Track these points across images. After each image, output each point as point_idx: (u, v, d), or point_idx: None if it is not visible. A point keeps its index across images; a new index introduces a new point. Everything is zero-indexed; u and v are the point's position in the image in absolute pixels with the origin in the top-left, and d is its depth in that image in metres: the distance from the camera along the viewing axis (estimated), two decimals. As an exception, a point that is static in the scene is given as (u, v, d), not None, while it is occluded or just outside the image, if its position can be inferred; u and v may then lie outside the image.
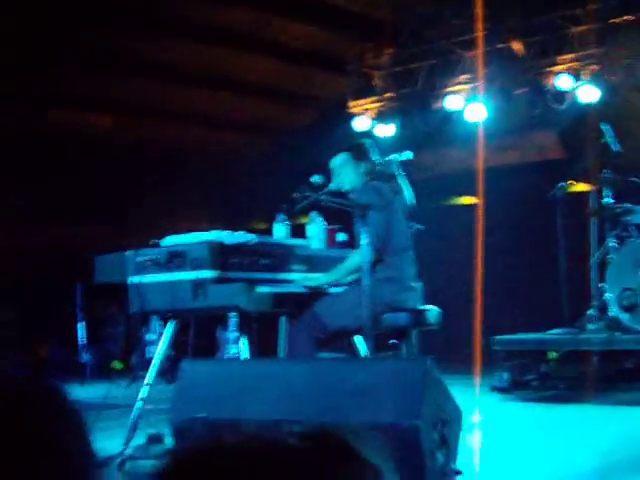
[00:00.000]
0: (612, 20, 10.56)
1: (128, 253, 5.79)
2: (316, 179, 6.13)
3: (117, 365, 11.15)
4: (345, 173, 6.17)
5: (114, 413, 6.70)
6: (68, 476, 1.39)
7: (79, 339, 11.18)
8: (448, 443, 4.22)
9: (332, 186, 6.15)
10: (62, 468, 1.40)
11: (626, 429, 6.60)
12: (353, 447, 1.06)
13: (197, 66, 11.64)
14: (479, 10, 10.86)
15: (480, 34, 11.33)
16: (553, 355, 9.03)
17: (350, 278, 6.02)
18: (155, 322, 9.81)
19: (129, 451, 5.46)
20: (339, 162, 6.21)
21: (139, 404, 5.68)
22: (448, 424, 4.26)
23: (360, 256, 5.59)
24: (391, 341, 6.10)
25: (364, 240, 5.52)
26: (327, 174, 6.26)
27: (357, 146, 6.38)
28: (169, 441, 5.03)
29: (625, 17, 10.48)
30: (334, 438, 1.07)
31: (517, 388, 8.63)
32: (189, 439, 4.34)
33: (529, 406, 8.09)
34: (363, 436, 1.09)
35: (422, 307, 6.12)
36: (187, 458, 1.08)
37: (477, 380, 9.17)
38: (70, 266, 9.82)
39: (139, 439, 5.62)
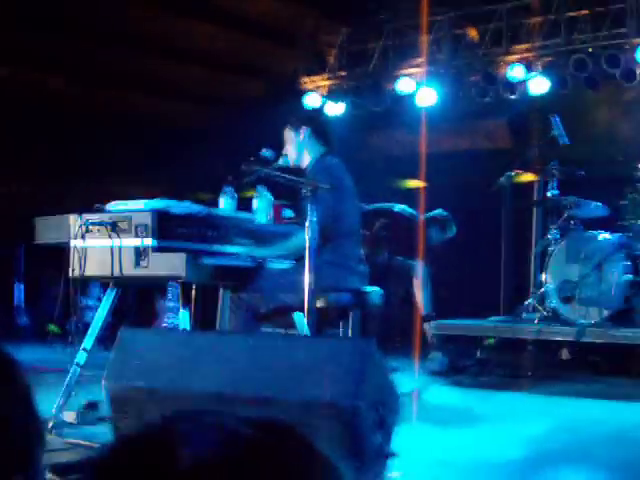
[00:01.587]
0: (567, 13, 10.63)
1: (71, 216, 5.71)
2: (266, 153, 6.10)
3: (53, 328, 11.02)
4: (301, 146, 6.14)
5: (49, 377, 6.63)
6: (14, 442, 1.36)
7: (16, 301, 11.05)
8: (385, 425, 4.23)
9: (282, 161, 6.12)
10: (8, 435, 1.37)
11: (559, 419, 6.68)
12: (310, 442, 1.04)
13: (150, 34, 11.49)
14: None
15: (435, 18, 11.34)
16: (491, 342, 9.10)
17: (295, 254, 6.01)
18: (94, 287, 9.75)
19: (62, 416, 5.40)
20: (296, 134, 6.17)
21: (75, 369, 5.62)
22: (386, 406, 4.27)
23: (307, 234, 5.57)
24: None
25: (312, 218, 5.50)
26: (277, 148, 6.23)
27: (318, 122, 6.35)
28: (104, 408, 4.99)
29: (579, 11, 10.55)
30: (290, 431, 1.05)
31: (454, 373, 8.70)
32: (125, 407, 4.31)
33: (464, 391, 8.15)
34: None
35: (365, 289, 6.13)
36: (133, 446, 1.05)
37: (416, 363, 9.22)
38: (13, 226, 9.69)
39: (73, 405, 5.57)
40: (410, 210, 8.90)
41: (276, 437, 1.04)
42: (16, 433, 1.39)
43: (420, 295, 9.05)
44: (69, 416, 5.48)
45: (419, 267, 9.08)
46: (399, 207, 8.83)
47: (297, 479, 1.00)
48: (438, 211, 9.05)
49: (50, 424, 5.30)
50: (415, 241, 8.99)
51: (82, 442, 5.12)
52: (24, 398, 1.42)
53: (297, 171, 6.15)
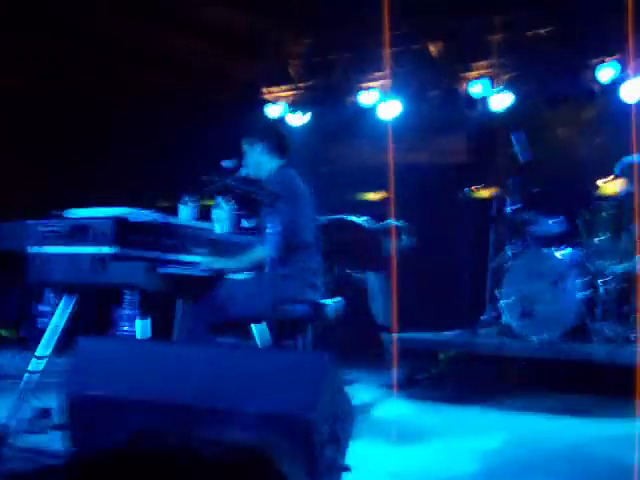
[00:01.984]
0: (528, 32, 10.71)
1: (29, 222, 5.66)
2: (227, 163, 6.10)
3: (5, 333, 10.93)
4: (258, 159, 6.15)
5: (2, 384, 6.58)
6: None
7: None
8: (339, 439, 4.23)
9: (243, 172, 6.13)
10: None
11: (511, 434, 6.72)
12: (274, 463, 1.05)
13: (111, 39, 11.44)
14: (388, 8, 10.89)
15: (396, 33, 11.38)
16: (442, 357, 9.14)
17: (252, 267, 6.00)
18: (48, 294, 9.68)
19: (14, 424, 5.36)
20: (253, 147, 6.18)
21: (27, 376, 5.58)
22: (340, 420, 4.28)
23: (265, 247, 5.58)
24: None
25: (270, 230, 5.50)
26: (239, 157, 6.23)
27: (275, 135, 6.36)
28: (57, 416, 4.95)
29: (538, 30, 10.63)
30: (258, 455, 1.06)
31: (410, 386, 8.72)
32: (82, 416, 4.28)
33: (418, 404, 8.17)
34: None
35: (322, 301, 6.14)
36: (97, 461, 1.05)
37: (371, 377, 9.24)
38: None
39: (25, 412, 5.52)
40: (360, 220, 8.93)
41: (243, 461, 1.04)
42: None
43: (373, 306, 9.08)
44: (22, 424, 5.43)
45: (371, 278, 9.11)
46: (350, 218, 8.85)
47: None
48: (389, 221, 9.07)
49: (1, 431, 5.25)
50: (367, 252, 9.02)
51: (34, 450, 5.08)
52: None
53: (258, 182, 6.15)
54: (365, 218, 9.06)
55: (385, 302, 8.91)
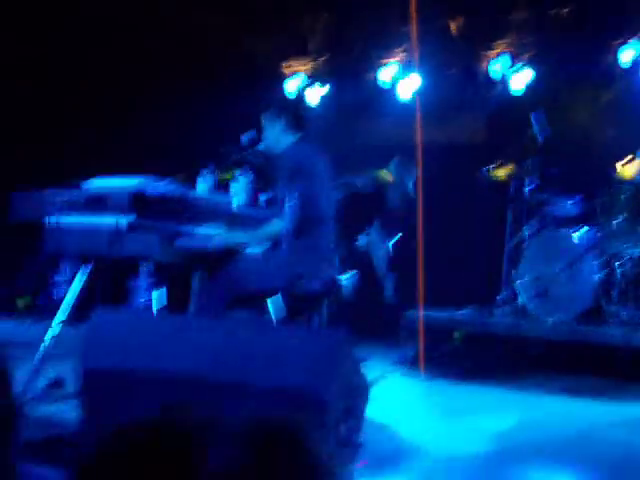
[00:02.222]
0: (549, 11, 10.63)
1: (48, 192, 5.67)
2: (246, 137, 6.08)
3: (22, 303, 10.96)
4: (277, 134, 6.13)
5: (17, 352, 6.59)
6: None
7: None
8: (353, 414, 4.24)
9: (261, 146, 6.11)
10: None
11: (525, 415, 6.71)
12: (302, 439, 1.04)
13: (133, 12, 11.42)
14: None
15: (417, 9, 11.30)
16: (457, 335, 9.12)
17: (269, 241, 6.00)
18: (65, 264, 9.70)
19: (30, 394, 5.38)
20: (272, 122, 6.15)
21: (43, 346, 5.59)
22: (354, 396, 4.28)
23: (282, 221, 5.56)
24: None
25: (288, 204, 5.49)
26: (257, 133, 6.21)
27: (294, 111, 6.33)
28: (71, 386, 4.97)
29: (561, 9, 10.56)
30: (287, 431, 1.05)
31: (422, 364, 8.71)
32: (97, 387, 4.29)
33: (431, 383, 8.17)
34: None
35: (337, 276, 6.13)
36: (131, 435, 1.04)
37: (385, 354, 9.23)
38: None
39: (40, 381, 5.55)
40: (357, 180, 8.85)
41: (272, 437, 1.03)
42: None
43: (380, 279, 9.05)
44: (36, 393, 5.45)
45: (375, 246, 9.04)
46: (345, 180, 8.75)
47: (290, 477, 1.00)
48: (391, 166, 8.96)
49: (18, 401, 5.27)
50: (370, 208, 8.96)
51: (48, 419, 5.10)
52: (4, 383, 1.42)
53: (276, 156, 6.13)
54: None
55: (386, 251, 8.83)
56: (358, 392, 4.35)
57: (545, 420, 6.55)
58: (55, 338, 5.62)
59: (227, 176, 6.52)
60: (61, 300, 5.83)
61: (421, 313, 8.99)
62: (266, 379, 4.08)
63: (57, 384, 5.63)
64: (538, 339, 8.61)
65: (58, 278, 9.70)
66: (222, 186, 6.46)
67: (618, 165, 8.80)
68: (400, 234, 8.72)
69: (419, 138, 10.15)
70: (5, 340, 6.48)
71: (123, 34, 11.82)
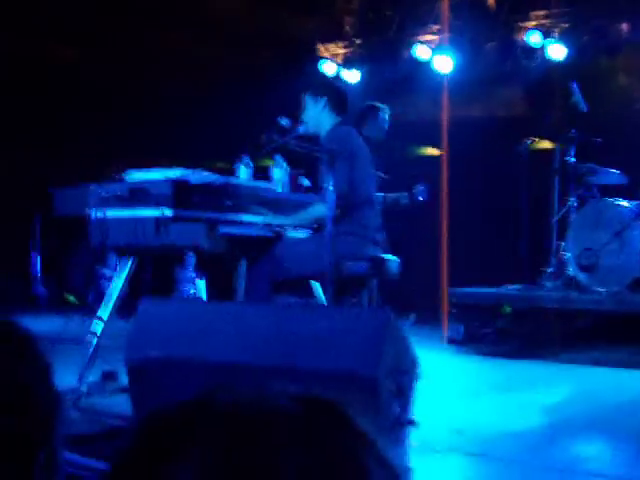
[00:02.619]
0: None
1: (91, 187, 5.70)
2: (284, 122, 6.06)
3: (72, 298, 11.06)
4: (319, 114, 6.10)
5: (69, 348, 6.65)
6: (35, 412, 1.36)
7: (34, 271, 11.09)
8: (404, 393, 4.22)
9: (300, 130, 6.09)
10: (29, 404, 1.37)
11: (578, 387, 6.68)
12: (353, 418, 1.02)
13: (162, 4, 11.46)
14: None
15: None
16: (508, 310, 9.07)
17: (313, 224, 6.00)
18: (113, 257, 9.76)
19: (83, 388, 5.42)
20: (314, 102, 6.12)
21: (93, 340, 5.63)
22: (405, 374, 4.26)
23: (325, 204, 5.55)
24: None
25: (330, 187, 5.47)
26: (294, 116, 6.19)
27: (336, 91, 6.31)
28: (123, 379, 5.00)
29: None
30: (334, 407, 1.03)
31: (472, 341, 8.69)
32: (144, 378, 4.31)
33: (483, 360, 8.15)
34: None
35: (383, 256, 6.11)
36: (171, 415, 1.03)
37: (436, 331, 9.22)
38: (30, 197, 9.71)
39: (94, 376, 5.59)
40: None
41: (320, 414, 1.02)
42: (37, 403, 1.39)
43: None
44: (89, 387, 5.50)
45: None
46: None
47: (338, 457, 0.99)
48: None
49: (71, 395, 5.32)
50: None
51: (102, 412, 5.14)
52: (43, 371, 1.42)
53: (315, 139, 6.11)
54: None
55: None
56: (408, 370, 4.34)
57: (598, 392, 6.51)
58: (105, 331, 5.65)
59: (268, 162, 6.52)
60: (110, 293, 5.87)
61: (468, 290, 8.95)
62: (315, 361, 4.08)
63: (110, 377, 5.67)
64: (589, 311, 8.55)
65: (106, 272, 9.78)
66: (263, 172, 6.46)
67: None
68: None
69: (449, 114, 10.11)
70: (56, 336, 6.54)
71: (157, 30, 11.86)
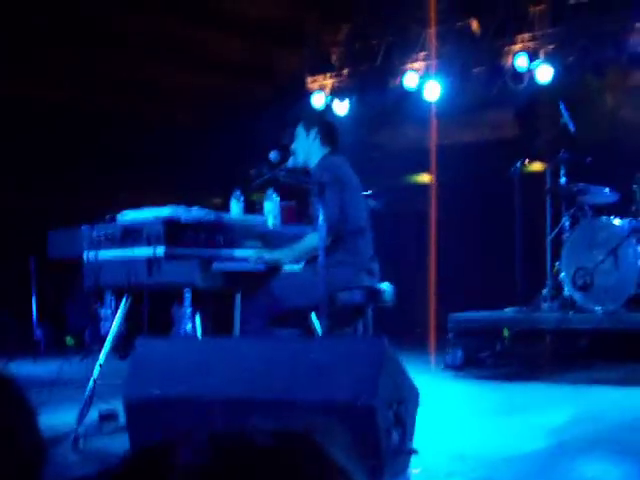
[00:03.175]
0: (569, 0, 10.59)
1: (83, 228, 5.72)
2: (274, 155, 6.09)
3: (70, 340, 11.03)
4: (309, 146, 6.13)
5: (67, 389, 6.64)
6: (19, 455, 1.36)
7: (32, 314, 11.07)
8: (404, 422, 4.22)
9: (290, 163, 6.11)
10: (13, 446, 1.37)
11: (579, 408, 6.65)
12: (324, 449, 1.03)
13: (152, 38, 11.54)
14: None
15: (437, 12, 11.32)
16: (506, 333, 9.07)
17: (306, 256, 6.01)
18: (109, 297, 9.75)
19: (82, 428, 5.41)
20: (306, 133, 6.15)
21: (92, 382, 5.62)
22: (404, 403, 4.27)
23: (317, 236, 5.56)
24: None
25: (321, 218, 5.48)
26: (285, 150, 6.22)
27: (326, 123, 6.34)
28: (122, 418, 5.00)
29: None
30: (304, 439, 1.04)
31: (470, 366, 8.68)
32: (142, 417, 4.31)
33: (482, 384, 8.13)
34: (326, 431, 1.07)
35: (377, 285, 6.11)
36: (147, 456, 1.04)
37: (431, 358, 9.21)
38: (24, 239, 9.72)
39: (92, 416, 5.58)
40: None
41: (290, 445, 1.03)
42: (21, 445, 1.39)
43: None
44: (89, 428, 5.49)
45: None
46: None
47: None
48: None
49: (71, 437, 5.32)
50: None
51: (102, 453, 5.13)
52: (27, 416, 1.43)
53: (305, 171, 6.14)
54: None
55: None
56: (408, 398, 4.34)
57: (600, 411, 6.49)
58: (103, 371, 5.65)
59: (259, 196, 6.54)
60: (106, 334, 5.87)
61: (466, 315, 8.95)
62: (313, 393, 4.09)
63: (109, 417, 5.66)
64: (587, 330, 8.55)
65: (104, 312, 9.76)
66: (255, 206, 6.47)
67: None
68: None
69: (438, 141, 10.15)
70: (55, 378, 6.52)
71: (151, 65, 11.93)
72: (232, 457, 0.99)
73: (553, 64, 10.72)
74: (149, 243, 5.46)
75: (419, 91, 11.50)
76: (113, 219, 5.74)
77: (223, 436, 1.03)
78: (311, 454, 1.02)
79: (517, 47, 10.99)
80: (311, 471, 1.00)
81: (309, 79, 12.60)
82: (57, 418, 5.69)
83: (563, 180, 9.00)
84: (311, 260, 5.90)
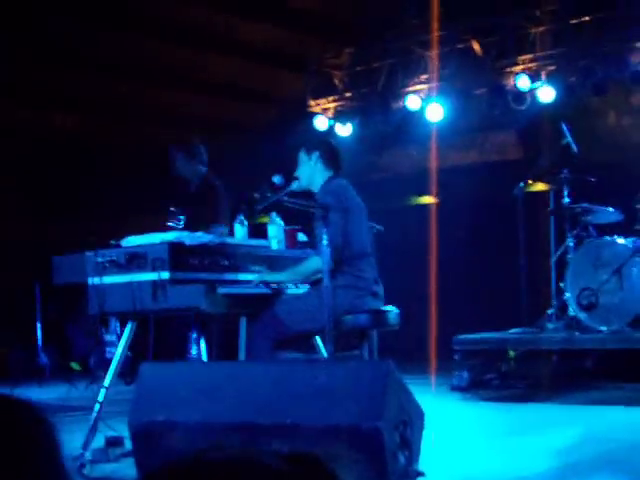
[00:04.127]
0: (570, 21, 10.64)
1: (88, 254, 5.73)
2: (277, 179, 6.10)
3: (75, 366, 11.04)
4: (312, 170, 6.14)
5: (73, 415, 6.65)
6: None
7: (38, 340, 11.08)
8: (410, 444, 4.22)
9: (294, 186, 6.13)
10: None
11: (585, 429, 6.63)
12: (335, 474, 1.04)
13: (158, 65, 11.59)
14: (436, 10, 10.91)
15: (439, 34, 11.37)
16: (512, 354, 9.05)
17: (311, 278, 6.01)
18: (114, 323, 9.77)
19: (88, 454, 5.41)
20: (309, 157, 6.17)
21: (97, 407, 5.62)
22: (410, 425, 4.26)
23: (320, 258, 5.56)
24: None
25: (324, 242, 5.49)
26: (288, 173, 6.23)
27: (330, 147, 6.35)
28: (128, 444, 4.99)
29: (582, 18, 10.55)
30: (317, 463, 1.05)
31: (477, 387, 8.66)
32: (148, 442, 4.31)
33: (488, 405, 8.11)
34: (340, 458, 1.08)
35: (382, 308, 6.11)
36: (165, 476, 1.05)
37: (437, 380, 9.19)
38: (29, 265, 9.74)
39: (98, 442, 5.57)
40: None
41: (302, 469, 1.04)
42: (42, 470, 1.40)
43: None
44: (94, 453, 5.48)
45: None
46: None
47: None
48: None
49: (77, 463, 5.31)
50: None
51: (108, 478, 5.13)
52: (54, 449, 1.43)
53: (309, 195, 6.15)
54: None
55: None
56: (413, 421, 4.33)
57: (608, 431, 6.46)
58: (109, 397, 5.65)
59: (263, 219, 6.55)
60: (111, 359, 5.87)
61: (471, 336, 8.94)
62: (319, 418, 4.08)
63: (115, 443, 5.65)
64: (592, 351, 8.53)
65: (109, 338, 9.77)
66: (259, 230, 6.49)
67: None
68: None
69: (441, 162, 10.15)
70: (60, 404, 6.53)
71: (153, 91, 11.97)
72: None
73: (555, 84, 10.75)
74: (154, 268, 5.47)
75: (421, 113, 11.53)
76: (118, 244, 5.75)
77: (239, 459, 1.04)
78: (323, 478, 1.03)
79: (519, 68, 11.02)
80: None
81: (312, 102, 12.63)
82: (63, 443, 5.68)
83: (567, 200, 8.99)
84: (315, 283, 5.91)
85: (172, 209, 6.43)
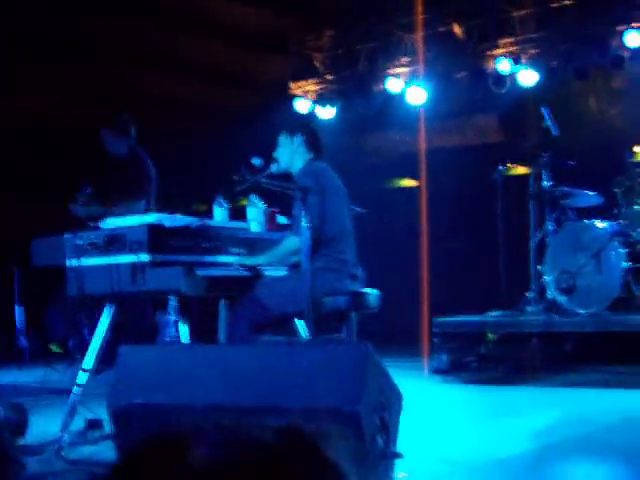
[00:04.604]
0: (552, 4, 10.64)
1: (66, 236, 5.69)
2: (256, 161, 6.09)
3: (55, 348, 11.02)
4: (292, 152, 6.13)
5: (52, 398, 6.63)
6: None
7: (17, 323, 11.04)
8: (388, 427, 4.22)
9: (273, 169, 6.11)
10: None
11: (565, 410, 6.67)
12: (318, 446, 1.04)
13: (141, 48, 11.52)
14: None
15: (421, 17, 11.34)
16: (491, 337, 9.08)
17: (290, 260, 6.01)
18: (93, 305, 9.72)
19: (67, 437, 5.40)
20: (290, 140, 6.15)
21: (76, 389, 5.60)
22: (388, 408, 4.27)
23: (298, 239, 5.56)
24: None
25: (303, 223, 5.48)
26: (267, 156, 6.21)
27: (311, 130, 6.34)
28: (108, 426, 4.98)
29: (564, 1, 10.56)
30: (301, 436, 1.05)
31: (456, 370, 8.69)
32: (128, 425, 4.30)
33: (468, 388, 8.14)
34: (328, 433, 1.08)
35: (362, 290, 6.11)
36: (162, 452, 1.05)
37: (417, 363, 9.21)
38: (7, 250, 9.70)
39: (77, 424, 5.56)
40: None
41: (288, 443, 1.05)
42: None
43: None
44: (74, 436, 5.47)
45: None
46: None
47: None
48: None
49: (56, 445, 5.30)
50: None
51: (87, 461, 5.11)
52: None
53: (287, 177, 6.14)
54: None
55: None
56: (392, 403, 4.34)
57: (585, 413, 6.51)
58: (87, 380, 5.63)
59: (243, 202, 6.54)
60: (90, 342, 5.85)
61: (450, 319, 8.96)
62: (298, 399, 4.08)
63: (94, 425, 5.64)
64: (571, 334, 8.57)
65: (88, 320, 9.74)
66: (238, 212, 6.47)
67: (636, 148, 8.76)
68: None
69: (424, 145, 10.14)
70: (39, 386, 6.51)
71: (137, 74, 11.91)
72: (245, 452, 1.01)
73: (536, 68, 10.76)
74: (133, 250, 5.44)
75: (402, 96, 11.52)
76: (96, 227, 5.72)
77: (235, 433, 1.04)
78: (312, 454, 1.03)
79: (500, 51, 11.03)
80: (307, 469, 1.02)
81: (293, 85, 12.60)
82: (42, 426, 5.68)
83: (546, 184, 9.01)
84: (294, 265, 5.91)
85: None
